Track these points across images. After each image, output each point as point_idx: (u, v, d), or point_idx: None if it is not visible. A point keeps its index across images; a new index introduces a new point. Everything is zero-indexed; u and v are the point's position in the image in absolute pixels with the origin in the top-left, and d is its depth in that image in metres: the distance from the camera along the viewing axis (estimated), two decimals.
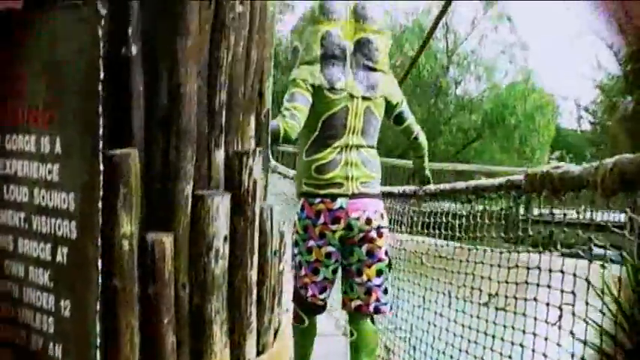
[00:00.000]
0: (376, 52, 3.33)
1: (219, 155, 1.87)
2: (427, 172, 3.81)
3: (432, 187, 3.42)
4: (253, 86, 1.98)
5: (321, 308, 3.38)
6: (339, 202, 3.15)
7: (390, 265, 3.33)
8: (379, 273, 3.21)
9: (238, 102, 1.90)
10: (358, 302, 3.23)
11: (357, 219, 3.15)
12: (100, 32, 1.57)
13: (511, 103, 23.11)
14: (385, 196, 3.67)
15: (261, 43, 2.01)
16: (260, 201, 1.99)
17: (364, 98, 3.26)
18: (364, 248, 3.19)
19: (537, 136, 23.32)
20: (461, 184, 2.91)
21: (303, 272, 3.28)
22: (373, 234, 3.18)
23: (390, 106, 3.40)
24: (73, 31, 1.62)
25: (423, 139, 3.66)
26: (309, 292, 3.27)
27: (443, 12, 2.89)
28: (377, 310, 3.25)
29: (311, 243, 3.21)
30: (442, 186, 3.23)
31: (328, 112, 3.23)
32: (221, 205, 1.82)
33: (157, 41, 1.72)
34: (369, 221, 3.17)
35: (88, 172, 1.61)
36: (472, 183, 2.80)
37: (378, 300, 3.21)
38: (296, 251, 3.32)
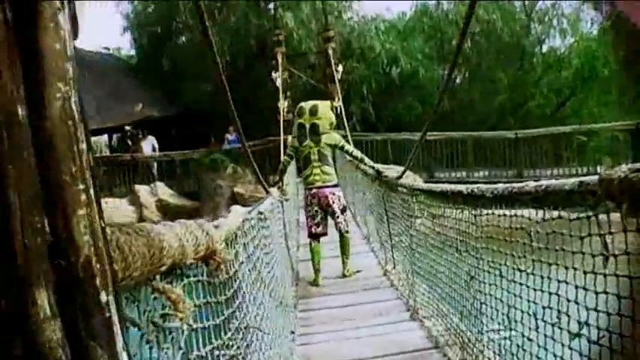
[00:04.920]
0: (318, 128, 7.50)
1: None
2: (373, 166, 7.87)
3: (486, 188, 2.90)
4: None
5: (320, 235, 7.59)
6: (314, 191, 7.52)
7: (345, 210, 7.71)
8: (342, 213, 7.56)
9: None
10: (339, 226, 7.52)
11: (322, 196, 7.47)
12: None
13: (602, 53, 21.66)
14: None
15: None
16: None
17: (316, 146, 7.49)
18: (329, 207, 7.49)
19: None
20: (530, 186, 2.36)
21: (308, 221, 7.66)
22: (330, 201, 7.47)
23: (333, 145, 7.62)
24: None
25: (355, 153, 7.87)
26: (312, 229, 7.58)
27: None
28: (346, 230, 7.61)
29: (308, 208, 7.65)
30: (500, 187, 2.68)
31: (303, 154, 7.59)
32: None
33: None
34: (326, 197, 7.47)
35: None
36: (539, 185, 2.25)
37: (345, 225, 7.58)
38: (304, 212, 7.95)
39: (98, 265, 0.95)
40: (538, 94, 23.28)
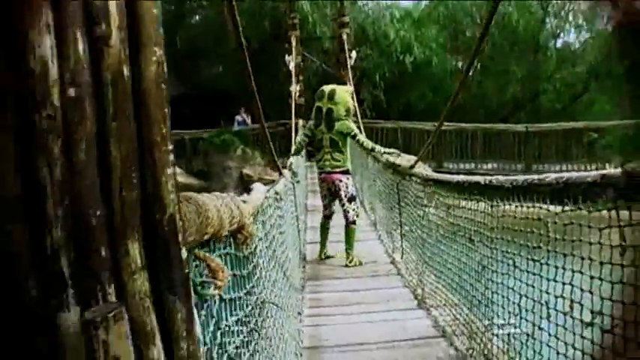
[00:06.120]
0: (333, 114, 7.52)
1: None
2: (384, 154, 7.96)
3: (504, 179, 2.96)
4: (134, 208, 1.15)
5: (329, 216, 7.88)
6: (323, 175, 7.68)
7: (353, 198, 7.70)
8: (349, 201, 7.58)
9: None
10: (347, 215, 7.58)
11: (330, 181, 7.62)
12: None
13: (616, 50, 21.53)
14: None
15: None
16: None
17: (328, 132, 7.56)
18: (336, 193, 7.62)
19: None
20: (550, 178, 2.40)
21: (320, 201, 8.01)
22: (337, 187, 7.58)
23: (344, 133, 7.57)
24: None
25: (366, 144, 8.00)
26: (323, 209, 7.93)
27: None
28: (353, 220, 7.59)
29: (319, 189, 7.96)
30: (520, 179, 2.72)
31: (317, 138, 7.70)
32: None
33: None
34: (333, 182, 7.59)
35: None
36: (560, 177, 2.29)
37: (353, 215, 7.58)
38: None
39: (180, 223, 1.02)
40: (550, 89, 23.22)
